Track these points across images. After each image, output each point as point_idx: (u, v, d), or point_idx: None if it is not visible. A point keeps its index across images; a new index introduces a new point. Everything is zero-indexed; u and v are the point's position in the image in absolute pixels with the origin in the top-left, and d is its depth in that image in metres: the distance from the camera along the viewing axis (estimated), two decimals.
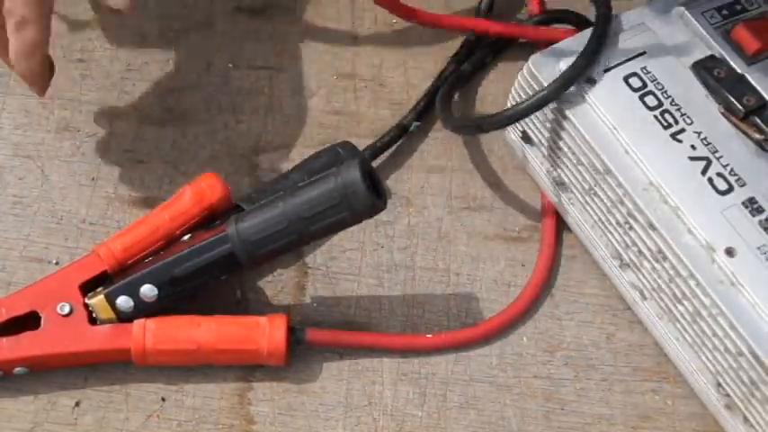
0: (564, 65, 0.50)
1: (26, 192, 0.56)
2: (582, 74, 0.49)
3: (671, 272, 0.47)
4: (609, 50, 0.51)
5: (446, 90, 0.58)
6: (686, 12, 0.51)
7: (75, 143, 0.57)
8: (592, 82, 0.50)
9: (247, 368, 0.52)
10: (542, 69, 0.51)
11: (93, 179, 0.56)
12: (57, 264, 0.54)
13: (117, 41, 0.60)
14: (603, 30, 0.50)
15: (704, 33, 0.51)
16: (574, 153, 0.51)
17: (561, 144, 0.51)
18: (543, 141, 0.53)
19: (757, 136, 0.48)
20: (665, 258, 0.47)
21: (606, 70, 0.50)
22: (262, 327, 0.50)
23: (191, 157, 0.57)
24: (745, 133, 0.48)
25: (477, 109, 0.59)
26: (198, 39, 0.61)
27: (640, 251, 0.49)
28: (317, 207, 0.48)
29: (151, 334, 0.49)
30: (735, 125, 0.49)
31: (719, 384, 0.48)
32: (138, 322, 0.50)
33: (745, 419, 0.48)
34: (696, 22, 0.51)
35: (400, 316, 0.53)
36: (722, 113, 0.49)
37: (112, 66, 0.60)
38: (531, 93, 0.51)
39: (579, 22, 0.58)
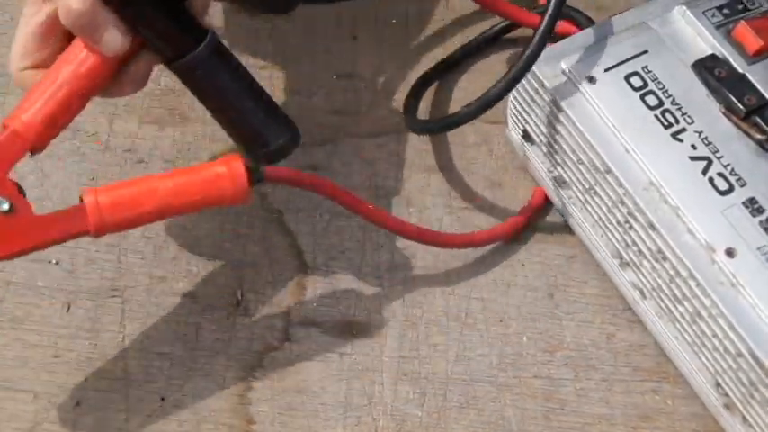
0: (564, 64, 0.50)
1: (26, 192, 0.55)
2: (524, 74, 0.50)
3: (671, 272, 0.47)
4: (610, 49, 0.51)
5: (417, 84, 0.59)
6: (688, 11, 0.51)
7: (75, 143, 0.57)
8: (593, 81, 0.50)
9: (248, 368, 0.52)
10: (542, 68, 0.51)
11: (93, 179, 0.56)
12: (57, 264, 0.54)
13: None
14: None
15: (705, 32, 0.51)
16: (574, 152, 0.51)
17: (562, 143, 0.51)
18: (544, 140, 0.53)
19: (758, 136, 0.48)
20: (664, 258, 0.47)
21: (607, 69, 0.50)
22: (220, 174, 0.47)
23: (191, 157, 0.57)
24: (746, 133, 0.48)
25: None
26: None
27: (640, 251, 0.49)
28: None
29: (107, 209, 0.46)
30: (736, 125, 0.49)
31: (719, 384, 0.48)
32: (89, 200, 0.46)
33: (744, 420, 0.47)
34: (697, 21, 0.51)
35: (400, 316, 0.53)
36: (723, 113, 0.49)
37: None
38: (531, 91, 0.52)
39: (580, 20, 0.58)
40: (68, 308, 0.53)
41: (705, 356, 0.48)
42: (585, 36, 0.51)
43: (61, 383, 0.51)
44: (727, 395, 0.48)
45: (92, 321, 0.52)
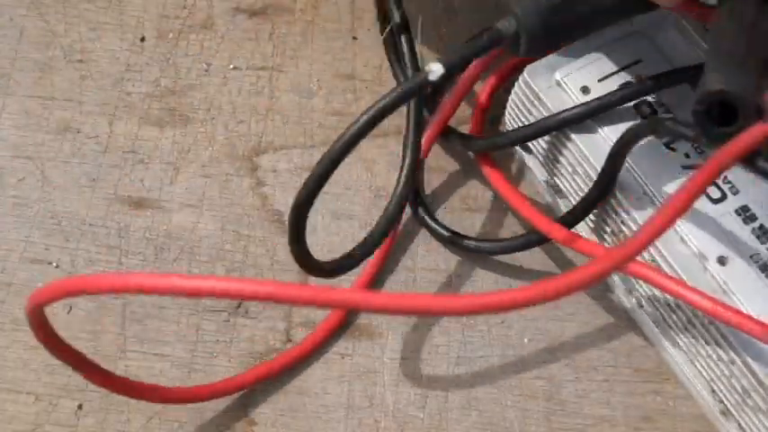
0: (559, 75, 0.50)
1: (26, 193, 0.56)
2: None
3: None
4: (603, 59, 0.50)
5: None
6: (683, 18, 0.51)
7: (75, 144, 0.57)
8: (587, 91, 0.49)
9: (249, 369, 0.52)
10: (537, 79, 0.51)
11: (93, 180, 0.56)
12: (57, 266, 0.54)
13: (117, 42, 0.60)
14: None
15: (700, 40, 0.50)
16: (569, 162, 0.50)
17: (557, 153, 0.51)
18: (540, 150, 0.53)
19: None
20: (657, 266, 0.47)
21: (600, 79, 0.50)
22: None
23: (191, 158, 0.57)
24: None
25: None
26: (197, 39, 0.61)
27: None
28: None
29: None
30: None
31: (714, 391, 0.48)
32: None
33: (740, 427, 0.48)
34: (692, 29, 0.51)
35: (401, 317, 0.53)
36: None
37: (112, 67, 0.60)
38: (527, 102, 0.52)
39: None
40: (69, 309, 0.53)
41: (700, 364, 0.48)
42: (579, 46, 0.51)
43: (62, 385, 0.51)
44: (722, 402, 0.48)
45: (93, 323, 0.52)
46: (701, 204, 0.47)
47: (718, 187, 0.47)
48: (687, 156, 0.48)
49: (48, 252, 0.54)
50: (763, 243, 0.46)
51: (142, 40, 0.61)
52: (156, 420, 0.50)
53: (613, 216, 0.49)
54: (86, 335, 0.52)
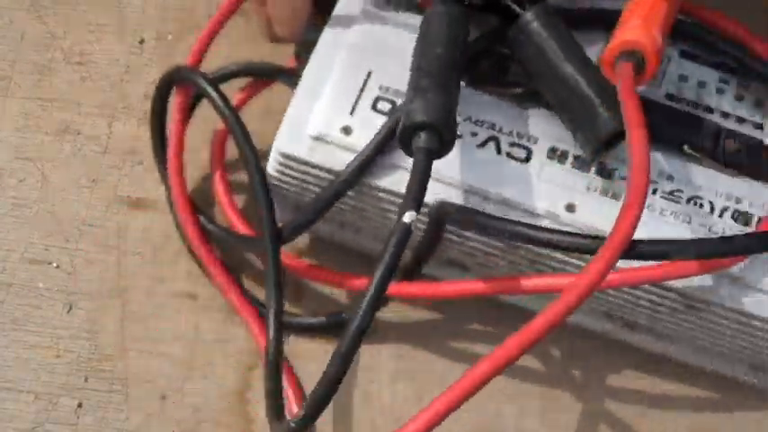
0: (311, 130, 0.47)
1: (26, 194, 0.56)
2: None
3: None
4: (337, 91, 0.47)
5: None
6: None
7: (74, 145, 0.58)
8: (348, 131, 0.46)
9: (246, 368, 0.52)
10: (294, 146, 0.47)
11: (92, 181, 0.57)
12: (57, 267, 0.54)
13: (116, 44, 0.61)
14: None
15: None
16: (378, 208, 0.48)
17: (359, 203, 0.49)
18: (346, 208, 0.50)
19: (516, 90, 0.47)
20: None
21: (351, 112, 0.47)
22: None
23: (190, 157, 0.57)
24: (499, 95, 0.47)
25: None
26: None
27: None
28: None
29: None
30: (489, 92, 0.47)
31: (748, 363, 0.49)
32: None
33: None
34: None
35: (398, 315, 0.53)
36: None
37: (111, 68, 0.60)
38: (298, 176, 0.48)
39: (267, 73, 0.56)
40: (69, 309, 0.53)
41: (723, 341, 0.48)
42: (307, 91, 0.48)
43: (62, 384, 0.51)
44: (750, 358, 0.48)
45: (92, 322, 0.53)
46: (519, 168, 0.46)
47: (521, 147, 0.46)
48: (474, 134, 0.46)
49: (47, 252, 0.55)
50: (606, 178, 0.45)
51: (141, 41, 0.61)
52: (154, 419, 0.51)
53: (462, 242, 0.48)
54: (86, 334, 0.53)
